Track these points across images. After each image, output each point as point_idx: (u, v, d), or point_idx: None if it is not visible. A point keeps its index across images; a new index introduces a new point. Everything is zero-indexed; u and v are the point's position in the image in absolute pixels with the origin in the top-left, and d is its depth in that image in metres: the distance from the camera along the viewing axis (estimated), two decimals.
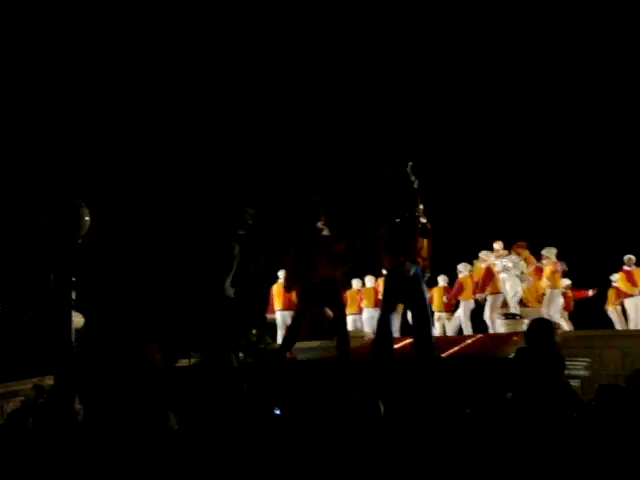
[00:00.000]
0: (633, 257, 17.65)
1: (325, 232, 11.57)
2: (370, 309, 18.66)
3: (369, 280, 19.00)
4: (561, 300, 17.72)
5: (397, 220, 10.93)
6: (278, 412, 7.28)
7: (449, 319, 18.54)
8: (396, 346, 12.82)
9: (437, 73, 28.59)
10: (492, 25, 28.52)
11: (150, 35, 26.83)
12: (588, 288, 18.80)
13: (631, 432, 5.68)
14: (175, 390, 7.39)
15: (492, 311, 17.50)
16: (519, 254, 17.82)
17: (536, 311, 16.90)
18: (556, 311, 17.28)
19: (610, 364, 13.55)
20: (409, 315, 15.21)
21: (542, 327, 6.00)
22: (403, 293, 11.04)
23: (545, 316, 15.89)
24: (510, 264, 17.58)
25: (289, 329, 11.97)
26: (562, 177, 28.48)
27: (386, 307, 11.31)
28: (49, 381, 10.94)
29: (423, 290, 11.17)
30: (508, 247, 18.11)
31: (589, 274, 19.03)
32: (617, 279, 17.97)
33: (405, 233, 10.89)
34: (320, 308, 11.62)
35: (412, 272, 10.76)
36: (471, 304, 18.32)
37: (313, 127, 27.43)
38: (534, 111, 28.70)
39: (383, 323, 11.18)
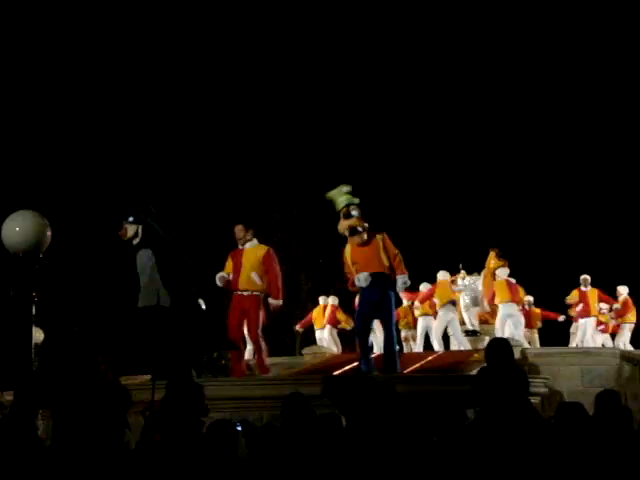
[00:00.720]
0: (589, 277, 17.79)
1: (253, 246, 11.86)
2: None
3: (322, 299, 19.16)
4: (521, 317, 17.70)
5: None
6: (239, 428, 7.27)
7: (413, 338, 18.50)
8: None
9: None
10: (475, 37, 28.74)
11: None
12: (552, 310, 19.01)
13: (591, 450, 5.74)
14: (132, 404, 7.35)
15: (439, 326, 17.45)
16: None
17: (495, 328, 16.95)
18: (518, 328, 17.01)
19: (569, 382, 13.63)
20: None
21: (500, 346, 6.02)
22: (376, 309, 11.33)
23: (506, 333, 15.91)
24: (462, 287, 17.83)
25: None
26: (518, 199, 28.80)
27: (364, 322, 11.59)
28: (9, 397, 10.82)
29: (393, 309, 11.52)
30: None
31: (548, 294, 19.23)
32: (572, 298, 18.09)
33: None
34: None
35: (363, 283, 11.22)
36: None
37: (278, 143, 27.56)
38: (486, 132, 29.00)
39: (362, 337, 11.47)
